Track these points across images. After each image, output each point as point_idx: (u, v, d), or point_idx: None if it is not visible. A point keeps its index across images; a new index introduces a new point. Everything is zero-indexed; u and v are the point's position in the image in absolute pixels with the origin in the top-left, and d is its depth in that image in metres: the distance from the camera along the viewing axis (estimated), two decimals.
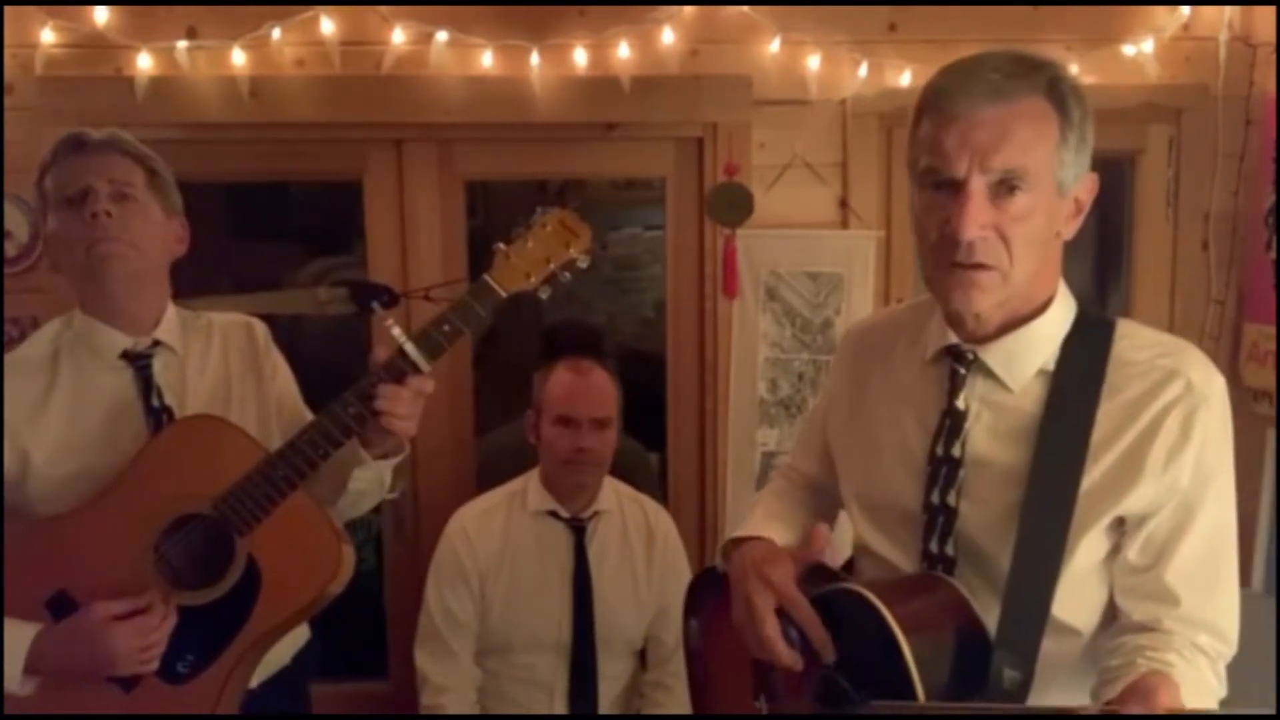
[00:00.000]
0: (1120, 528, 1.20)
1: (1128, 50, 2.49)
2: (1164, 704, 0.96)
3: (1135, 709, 0.95)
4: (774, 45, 2.41)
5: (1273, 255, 2.52)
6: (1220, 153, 2.58)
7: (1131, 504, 1.17)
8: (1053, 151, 1.16)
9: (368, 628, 2.64)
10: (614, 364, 2.31)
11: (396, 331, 1.55)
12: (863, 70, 2.42)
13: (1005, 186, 1.14)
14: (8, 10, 2.23)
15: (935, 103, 1.18)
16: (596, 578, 2.20)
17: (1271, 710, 2.13)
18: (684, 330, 2.60)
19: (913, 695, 1.11)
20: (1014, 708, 1.09)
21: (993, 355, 1.24)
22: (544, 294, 1.60)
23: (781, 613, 1.24)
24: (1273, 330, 2.50)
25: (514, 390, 2.38)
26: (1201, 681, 1.11)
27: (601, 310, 3.61)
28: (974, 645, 1.16)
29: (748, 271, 2.49)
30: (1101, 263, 3.01)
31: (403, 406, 1.52)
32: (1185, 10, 2.50)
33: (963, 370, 1.25)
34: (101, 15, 2.26)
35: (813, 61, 2.42)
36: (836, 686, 1.21)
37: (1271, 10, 2.45)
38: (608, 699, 2.22)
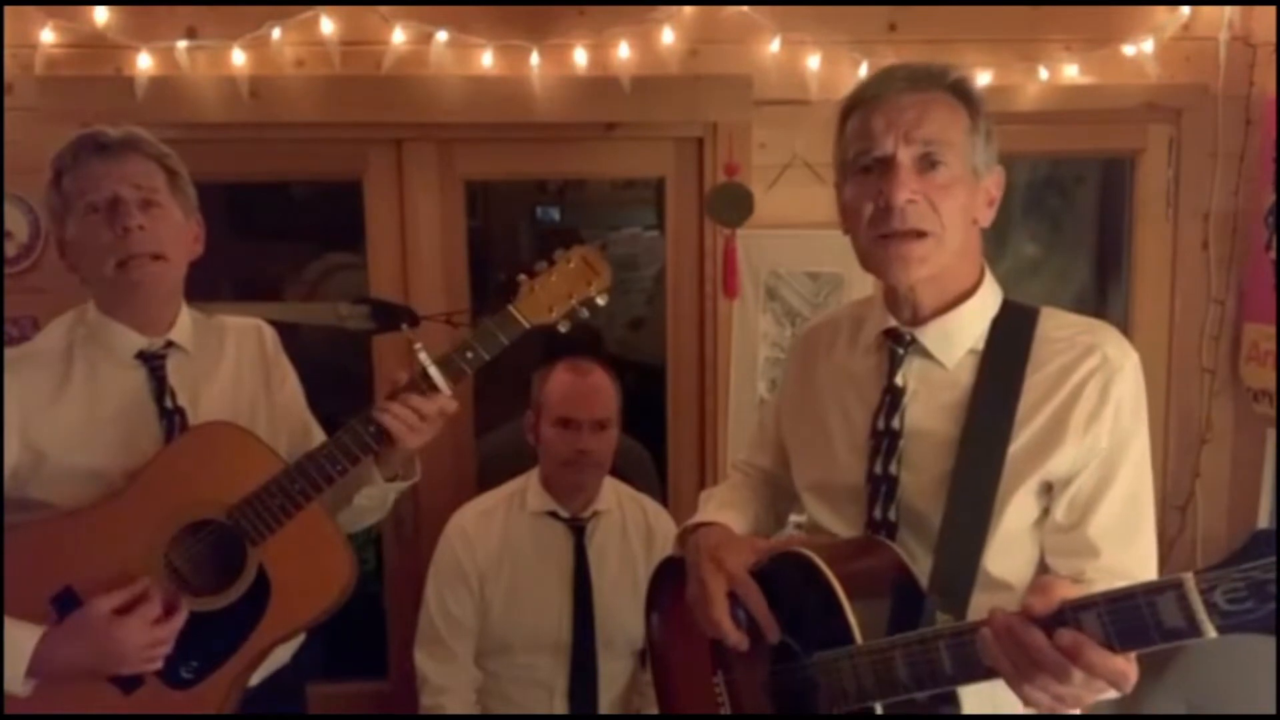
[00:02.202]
0: (1050, 493, 1.29)
1: (1128, 50, 2.50)
2: (1059, 594, 1.04)
3: (1035, 601, 1.04)
4: (774, 45, 2.41)
5: (1273, 255, 2.52)
6: (1220, 153, 2.58)
7: (1056, 465, 1.27)
8: (965, 136, 1.29)
9: (368, 628, 2.64)
10: (611, 363, 2.31)
11: (423, 355, 1.58)
12: (863, 70, 2.41)
13: (928, 161, 1.27)
14: (8, 10, 2.23)
15: (860, 98, 1.33)
16: (596, 578, 2.20)
17: (1271, 710, 2.13)
18: (684, 330, 2.60)
19: (853, 643, 1.22)
20: (931, 630, 1.17)
21: (928, 336, 1.35)
22: (563, 328, 1.64)
23: (732, 595, 1.34)
24: (1273, 330, 2.50)
25: (514, 390, 2.38)
26: None
27: (601, 310, 3.61)
28: (908, 594, 1.26)
29: (748, 271, 2.49)
30: (1101, 263, 3.02)
31: (405, 413, 1.55)
32: (1185, 10, 2.50)
33: (901, 350, 1.36)
34: (101, 15, 2.26)
35: (813, 61, 2.42)
36: (786, 648, 1.32)
37: (1271, 10, 2.45)
38: (608, 699, 2.22)
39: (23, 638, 1.46)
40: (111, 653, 1.46)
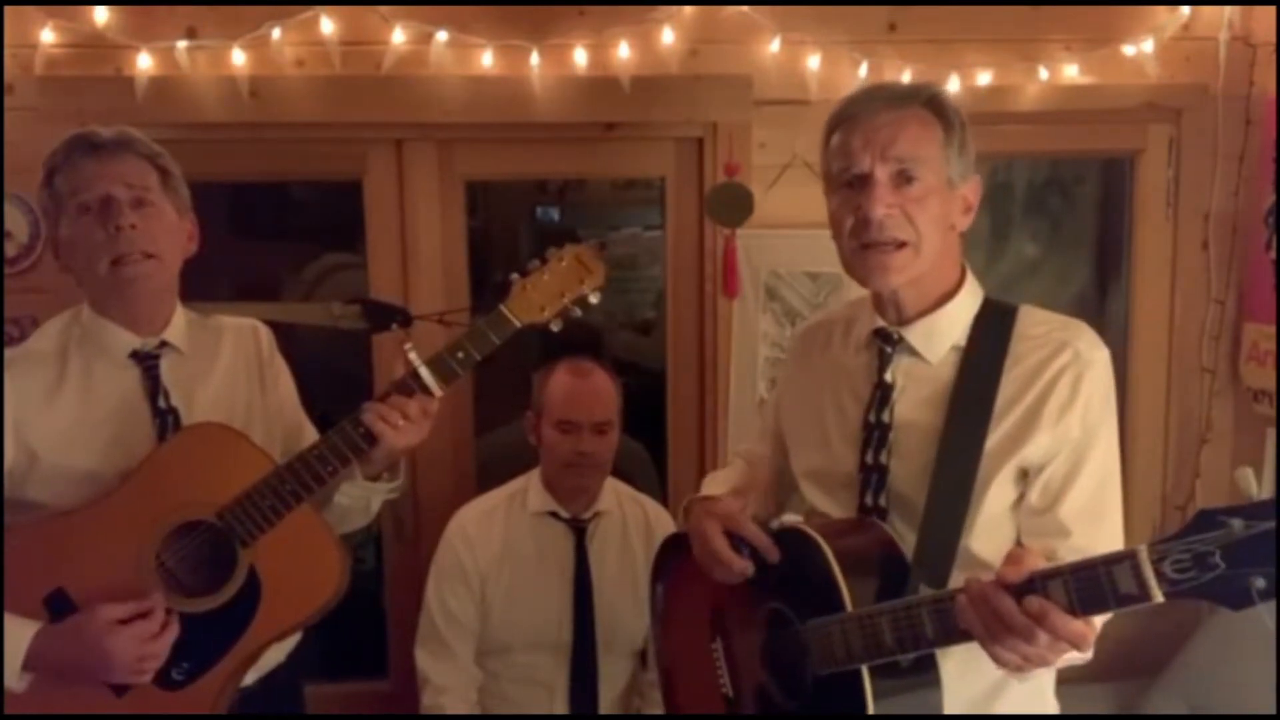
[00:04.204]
0: (1026, 479, 1.39)
1: (1128, 50, 2.50)
2: (1029, 565, 1.15)
3: (1007, 571, 1.16)
4: (774, 45, 2.41)
5: (1273, 255, 2.52)
6: (1220, 153, 2.58)
7: (1031, 453, 1.36)
8: (939, 150, 1.39)
9: (368, 628, 2.64)
10: (616, 367, 2.31)
11: (413, 356, 1.58)
12: (863, 70, 2.42)
13: (904, 176, 1.37)
14: (8, 10, 2.22)
15: (841, 118, 1.42)
16: (597, 578, 2.20)
17: (1271, 710, 2.13)
18: (684, 330, 2.60)
19: (844, 610, 1.32)
20: (915, 598, 1.28)
21: (914, 334, 1.45)
22: (555, 327, 1.64)
23: (731, 536, 1.46)
24: (1273, 330, 2.50)
25: (514, 390, 2.38)
26: None
27: (601, 310, 3.61)
28: (895, 569, 1.36)
29: (748, 271, 2.49)
30: (1101, 263, 3.01)
31: (389, 412, 1.55)
32: (1185, 10, 2.50)
33: (889, 349, 1.46)
34: (101, 15, 2.26)
35: (813, 61, 2.42)
36: (781, 616, 1.43)
37: (1271, 10, 2.45)
38: (608, 699, 2.23)
39: (19, 633, 1.46)
40: (101, 662, 1.46)
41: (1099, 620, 1.25)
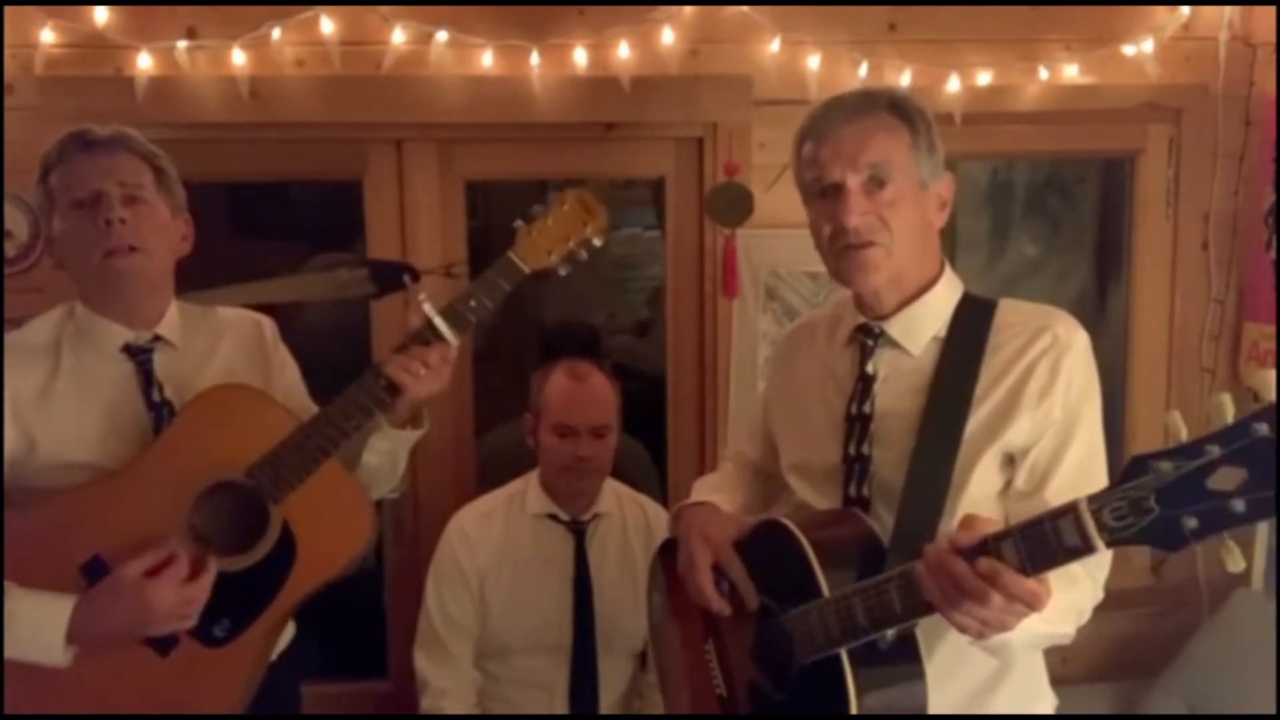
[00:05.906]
0: (1013, 465, 1.41)
1: (1128, 50, 2.50)
2: (981, 529, 1.17)
3: (960, 535, 1.18)
4: (774, 45, 2.41)
5: (1273, 255, 2.52)
6: (1220, 153, 2.58)
7: (1013, 437, 1.39)
8: (907, 153, 1.43)
9: (368, 628, 2.64)
10: (616, 371, 2.30)
11: (427, 307, 1.61)
12: (863, 70, 2.42)
13: (875, 182, 1.41)
14: (8, 10, 2.22)
15: (809, 131, 1.47)
16: (596, 579, 2.19)
17: (1271, 710, 2.14)
18: (684, 330, 2.60)
19: (821, 597, 1.36)
20: (884, 575, 1.30)
21: (894, 327, 1.49)
22: (563, 271, 1.67)
23: (717, 565, 1.51)
24: (1273, 330, 2.50)
25: (514, 390, 2.38)
26: (1069, 576, 1.24)
27: (601, 310, 3.61)
28: (873, 556, 1.38)
29: (748, 271, 2.49)
30: (1101, 263, 3.02)
31: (410, 363, 1.58)
32: (1185, 10, 2.50)
33: (871, 343, 1.50)
34: (101, 15, 2.26)
35: (813, 61, 2.42)
36: (766, 609, 1.47)
37: (1271, 10, 2.46)
38: (608, 701, 2.22)
39: (57, 609, 1.47)
40: (145, 615, 1.48)
41: (1072, 598, 1.29)
